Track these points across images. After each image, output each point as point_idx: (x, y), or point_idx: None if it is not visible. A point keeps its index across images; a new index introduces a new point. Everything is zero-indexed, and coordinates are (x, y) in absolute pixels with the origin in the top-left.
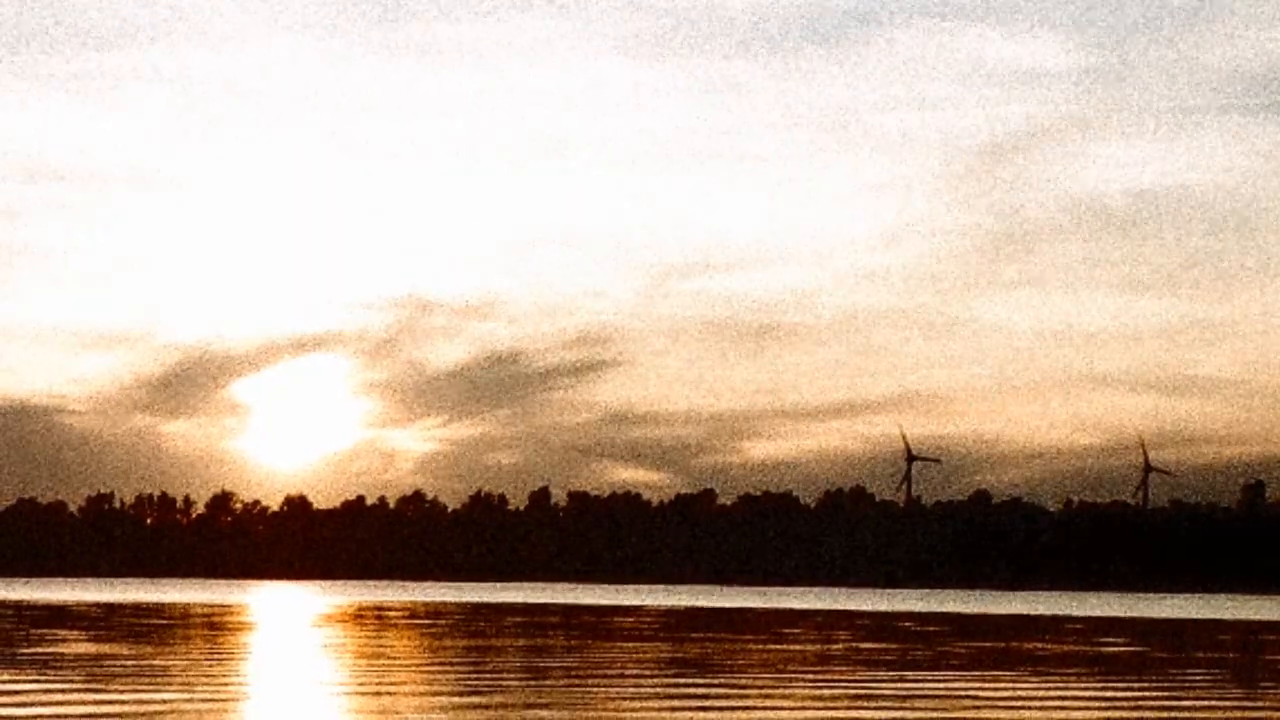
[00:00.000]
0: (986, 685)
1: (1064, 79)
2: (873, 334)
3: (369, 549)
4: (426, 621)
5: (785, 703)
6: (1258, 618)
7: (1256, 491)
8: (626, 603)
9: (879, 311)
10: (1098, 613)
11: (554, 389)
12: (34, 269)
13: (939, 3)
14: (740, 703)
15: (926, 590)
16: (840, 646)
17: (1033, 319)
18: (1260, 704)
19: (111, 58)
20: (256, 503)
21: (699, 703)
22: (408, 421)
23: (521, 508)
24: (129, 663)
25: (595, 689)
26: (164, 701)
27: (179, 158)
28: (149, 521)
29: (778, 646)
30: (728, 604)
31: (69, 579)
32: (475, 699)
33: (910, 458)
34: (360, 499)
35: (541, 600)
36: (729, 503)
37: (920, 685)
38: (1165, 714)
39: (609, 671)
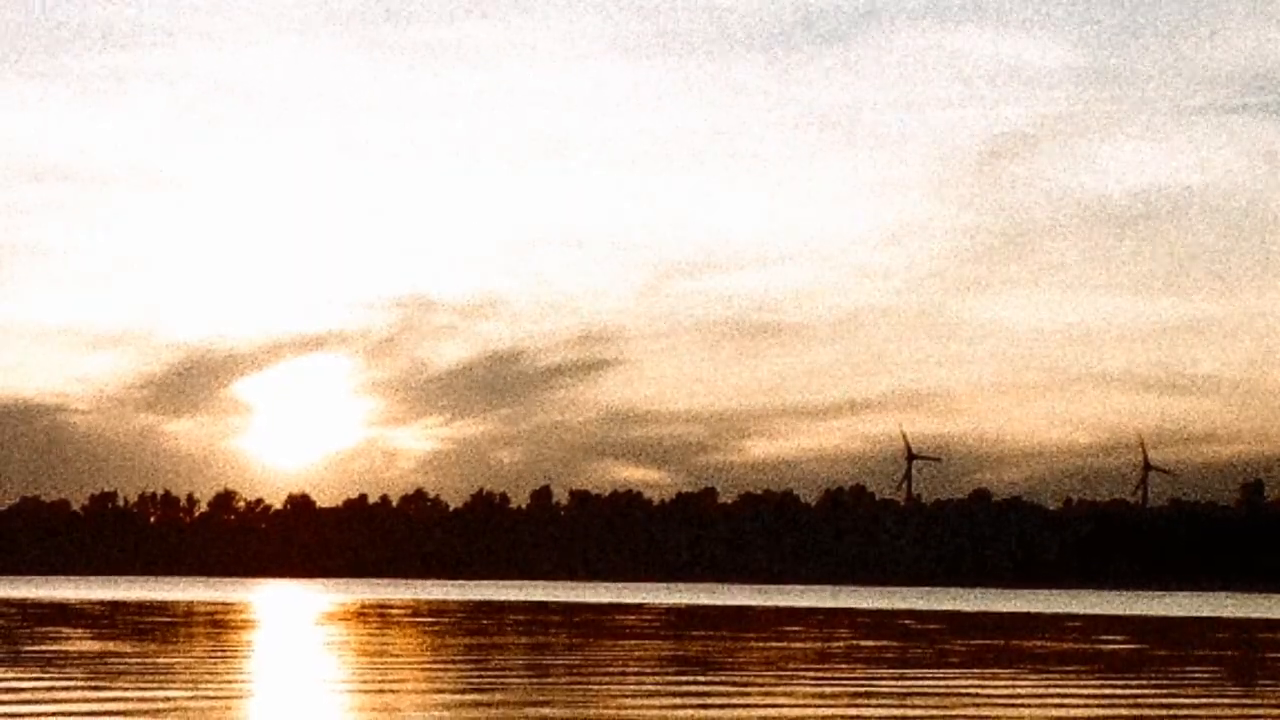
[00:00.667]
0: (986, 683)
1: (1064, 79)
2: (873, 333)
3: (371, 547)
4: (428, 619)
5: (786, 700)
6: (1256, 616)
7: (1255, 490)
8: (628, 601)
9: (879, 311)
10: (1097, 611)
11: (555, 388)
12: (37, 268)
13: (939, 3)
14: (741, 700)
15: (926, 588)
16: (841, 644)
17: (1032, 318)
18: (1258, 702)
19: (114, 58)
20: (259, 501)
21: (700, 700)
22: (410, 420)
23: (523, 506)
24: (132, 660)
25: (597, 686)
26: (167, 699)
27: (181, 157)
28: (152, 520)
29: (778, 644)
30: (729, 602)
31: (72, 577)
32: (477, 696)
33: (910, 456)
34: (362, 497)
35: (543, 598)
36: (730, 501)
37: (920, 683)
38: (1164, 711)
39: (610, 669)
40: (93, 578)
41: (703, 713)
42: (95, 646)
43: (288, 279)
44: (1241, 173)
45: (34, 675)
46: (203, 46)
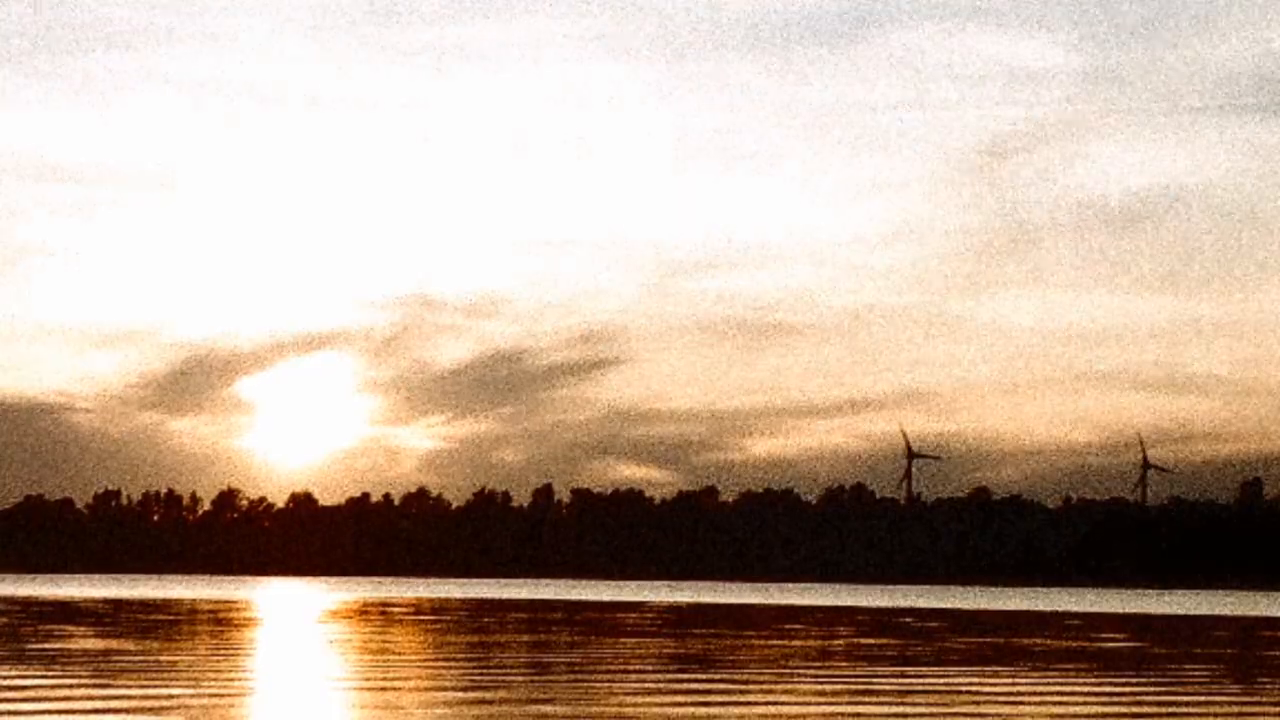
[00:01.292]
0: (986, 680)
1: (1064, 79)
2: (873, 333)
3: (373, 545)
4: (431, 617)
5: (787, 698)
6: (1255, 614)
7: (1254, 488)
8: (629, 599)
9: (880, 310)
10: (1096, 608)
11: (557, 387)
12: (41, 268)
13: (939, 3)
14: (742, 698)
15: (926, 586)
16: (841, 642)
17: (1032, 318)
18: (1257, 699)
19: (118, 58)
20: (262, 500)
21: (701, 698)
22: (412, 419)
23: (525, 505)
24: (136, 658)
25: (598, 684)
26: (170, 696)
27: (184, 157)
28: (155, 518)
29: (779, 642)
30: (730, 600)
31: (76, 575)
32: (479, 694)
33: (911, 455)
34: (365, 496)
35: (545, 596)
36: (731, 500)
37: (920, 680)
38: (1163, 709)
39: (612, 667)
40: (96, 576)
41: (704, 710)
42: (99, 644)
43: (290, 278)
44: (1241, 173)
45: (38, 673)
46: (206, 47)
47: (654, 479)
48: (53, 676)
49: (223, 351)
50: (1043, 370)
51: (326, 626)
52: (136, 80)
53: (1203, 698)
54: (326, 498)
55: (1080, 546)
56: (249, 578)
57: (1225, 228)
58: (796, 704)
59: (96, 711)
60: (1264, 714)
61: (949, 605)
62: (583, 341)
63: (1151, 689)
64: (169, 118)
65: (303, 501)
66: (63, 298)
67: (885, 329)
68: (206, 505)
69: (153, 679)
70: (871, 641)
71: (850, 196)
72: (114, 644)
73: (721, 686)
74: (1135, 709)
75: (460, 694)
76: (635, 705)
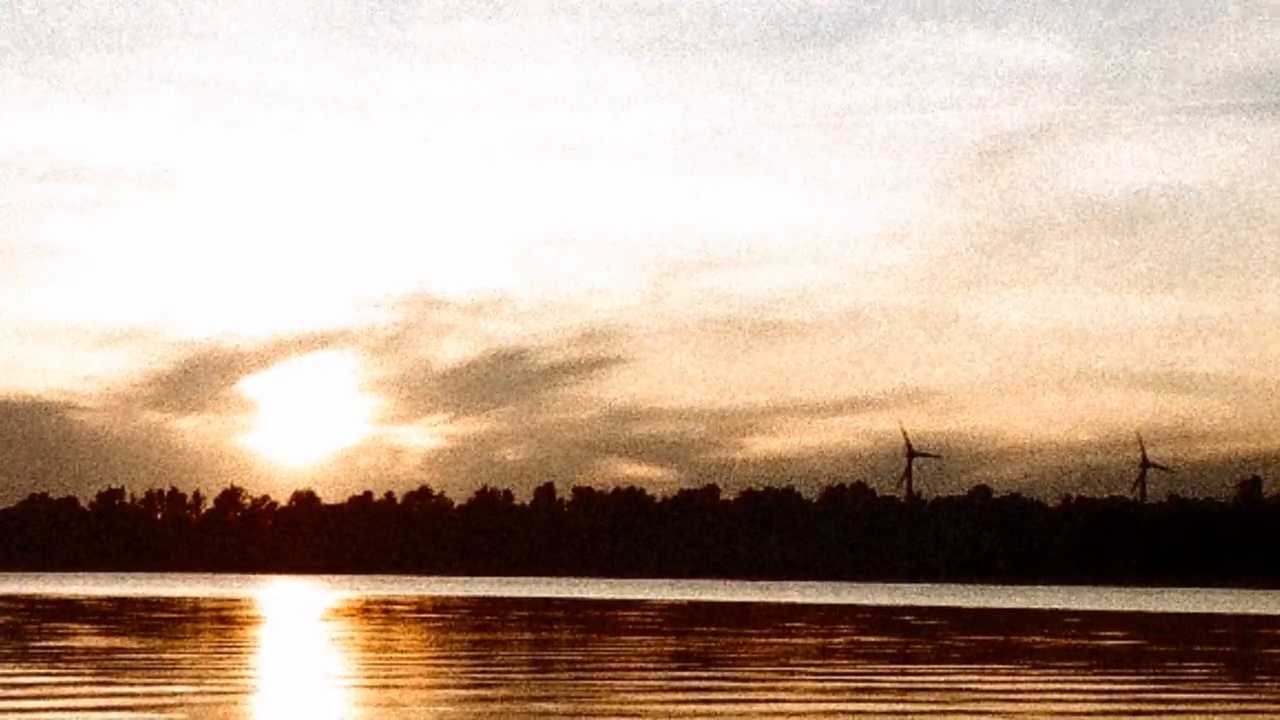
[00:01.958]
0: (986, 678)
1: (1063, 79)
2: (874, 332)
3: (376, 544)
4: (433, 615)
5: (788, 696)
6: (1254, 612)
7: (1253, 487)
8: (630, 597)
9: (880, 309)
10: (1096, 607)
11: (559, 386)
12: (44, 267)
13: (939, 3)
14: (743, 696)
15: (927, 584)
16: (842, 640)
17: (1032, 317)
18: (1256, 697)
19: (121, 58)
20: (265, 498)
21: (702, 696)
22: (414, 418)
23: (527, 503)
24: (139, 656)
25: (600, 682)
26: (174, 694)
27: (188, 157)
28: (159, 517)
29: (780, 640)
30: (731, 598)
31: (80, 573)
32: (481, 692)
33: (911, 454)
34: (368, 494)
35: (546, 594)
36: (732, 498)
37: (921, 678)
38: (1162, 707)
39: (613, 665)
40: (100, 574)
41: (705, 708)
42: (102, 642)
43: (293, 278)
44: (1239, 173)
45: (42, 671)
46: (209, 46)
47: (655, 477)
48: (56, 674)
49: (226, 350)
50: (1042, 369)
51: (329, 624)
52: (139, 80)
53: (1202, 695)
54: (329, 496)
55: (1080, 545)
56: (252, 576)
57: (1225, 228)
58: (797, 702)
59: (100, 709)
60: (1263, 712)
61: (949, 603)
62: (584, 340)
63: (1150, 687)
64: (172, 117)
65: (305, 500)
66: (66, 297)
67: (885, 328)
68: (210, 504)
69: (156, 677)
70: (872, 639)
71: (850, 196)
72: (117, 642)
73: (723, 684)
74: (1134, 706)
75: (462, 692)
76: (637, 703)
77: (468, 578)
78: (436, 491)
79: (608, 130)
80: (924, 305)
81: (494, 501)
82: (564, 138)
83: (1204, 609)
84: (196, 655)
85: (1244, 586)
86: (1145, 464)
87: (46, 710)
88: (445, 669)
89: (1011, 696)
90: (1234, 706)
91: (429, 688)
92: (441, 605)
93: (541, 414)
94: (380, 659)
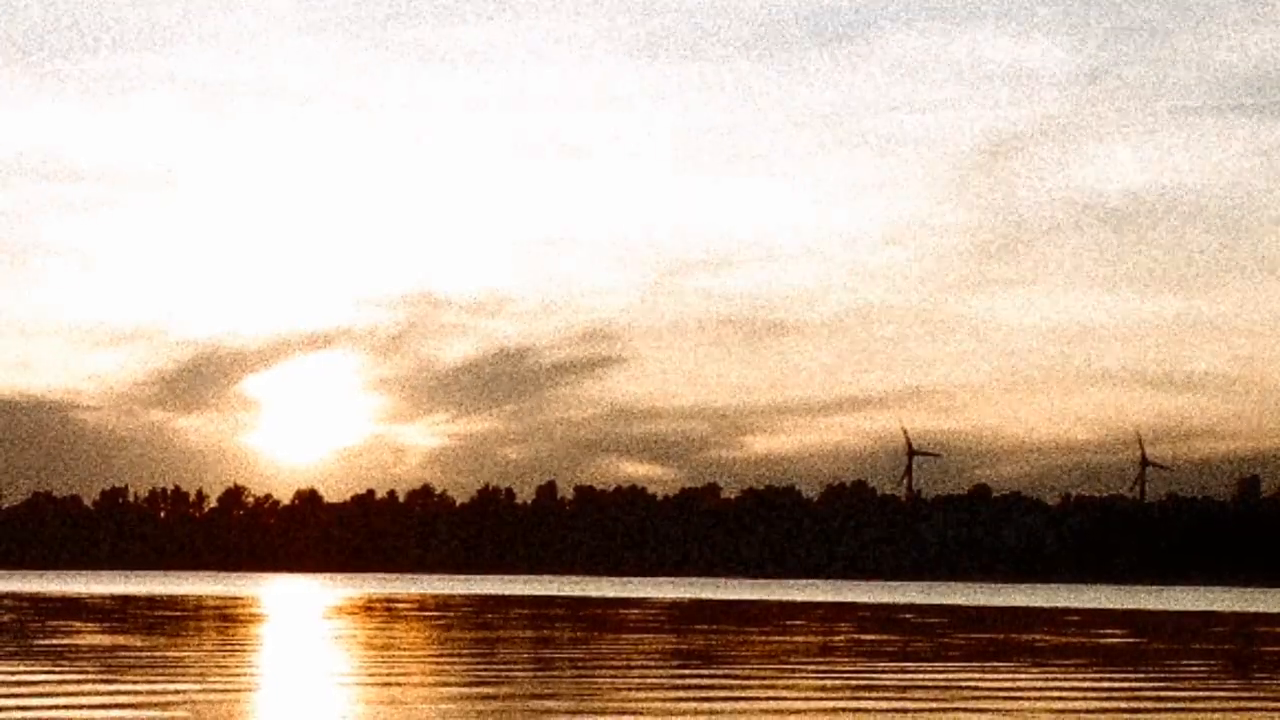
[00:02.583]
0: (986, 676)
1: (1062, 79)
2: (873, 331)
3: (378, 542)
4: (435, 613)
5: (788, 693)
6: (1252, 610)
7: (1251, 485)
8: (632, 595)
9: (880, 309)
10: (1095, 605)
11: (560, 385)
12: (48, 267)
13: (938, 3)
14: (744, 693)
15: (927, 583)
16: (842, 638)
17: (1031, 316)
18: (1255, 695)
19: (125, 59)
20: (268, 497)
21: (703, 693)
22: (416, 417)
23: (528, 502)
24: (143, 654)
25: (601, 680)
26: (177, 692)
27: (191, 156)
28: (162, 515)
29: (780, 638)
30: (731, 596)
31: (84, 572)
32: (483, 690)
33: (911, 452)
34: (370, 493)
35: (548, 593)
36: (732, 497)
37: (921, 676)
38: (1161, 704)
39: (614, 663)
40: (104, 572)
41: (706, 706)
42: (106, 640)
43: (296, 277)
44: (1238, 172)
45: (46, 669)
46: (211, 47)
47: (656, 476)
48: (60, 672)
49: (229, 350)
50: (1042, 368)
51: (331, 623)
52: (142, 80)
53: (1200, 693)
54: (332, 495)
55: (1079, 543)
56: (255, 574)
57: (1222, 227)
58: (798, 699)
59: (103, 706)
60: (1261, 709)
61: (949, 601)
62: (585, 340)
63: (1149, 684)
64: (174, 117)
65: (308, 498)
66: (70, 296)
67: (885, 327)
68: (213, 502)
69: (159, 675)
70: (872, 637)
71: (850, 196)
72: (121, 640)
73: (723, 682)
74: (1133, 704)
75: (464, 689)
76: (638, 700)
77: (469, 576)
78: (438, 490)
79: (608, 130)
80: (924, 305)
81: (495, 500)
82: (564, 138)
83: (1203, 607)
84: (199, 653)
85: (1242, 585)
86: (1144, 463)
87: (51, 708)
88: (447, 667)
89: (1011, 694)
90: (1232, 704)
91: (431, 686)
92: (443, 603)
93: (543, 413)
94: (382, 657)
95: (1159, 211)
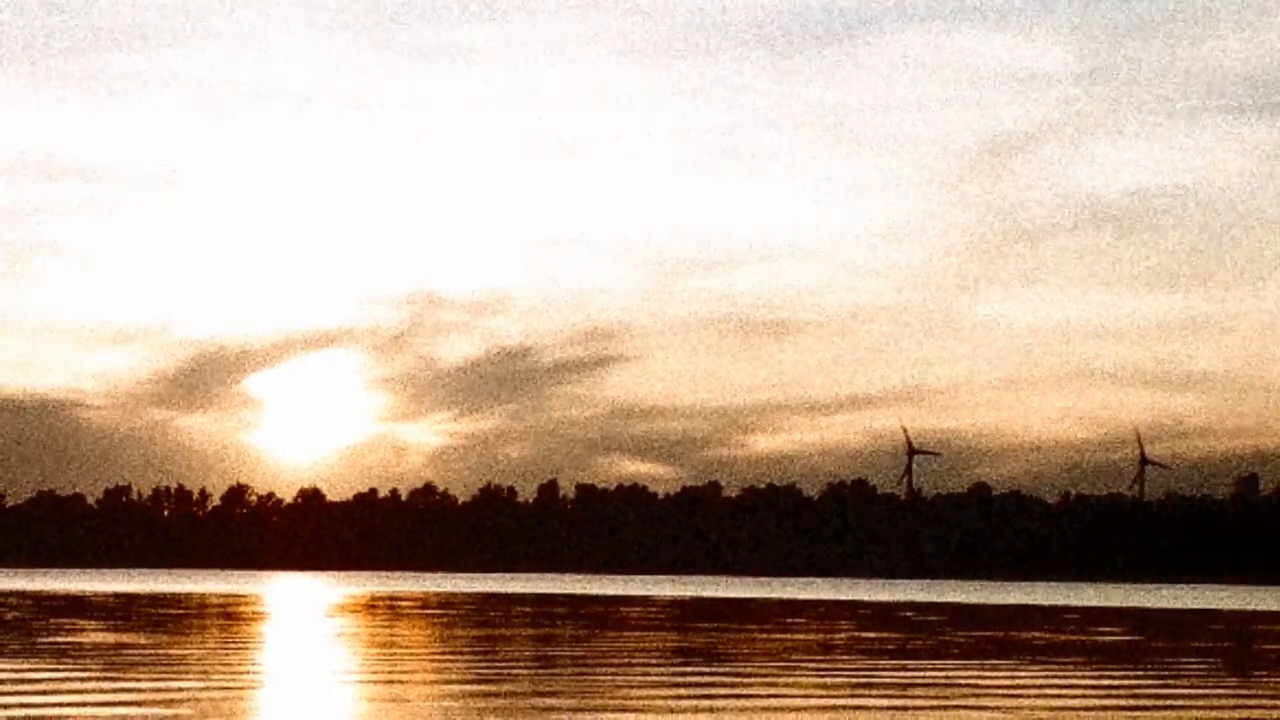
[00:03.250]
0: (986, 674)
1: (1063, 79)
2: (874, 330)
3: (381, 540)
4: (437, 611)
5: (789, 691)
6: (1251, 608)
7: (1250, 484)
8: (633, 593)
9: (880, 308)
10: (1094, 603)
11: (562, 384)
12: (52, 266)
13: (938, 3)
14: (745, 691)
15: (927, 581)
16: (842, 636)
17: (1031, 316)
18: (1254, 692)
19: (128, 59)
20: (271, 495)
21: (704, 691)
22: (419, 416)
23: (530, 500)
24: (146, 652)
25: (603, 678)
26: (180, 689)
27: (192, 156)
28: (166, 514)
29: (781, 636)
30: (732, 594)
31: (87, 570)
32: (485, 687)
33: (911, 451)
34: (372, 491)
35: (550, 591)
36: (733, 495)
37: (921, 674)
38: (1160, 702)
39: (616, 661)
40: (107, 571)
41: (707, 703)
42: (110, 638)
43: (298, 276)
44: (1237, 172)
45: (50, 666)
46: (215, 47)
47: (657, 475)
48: (64, 670)
49: (232, 349)
50: (1042, 367)
51: (334, 620)
52: (143, 80)
53: (1199, 691)
54: (334, 493)
55: (1079, 541)
56: (257, 572)
57: (1222, 226)
58: (798, 697)
59: (107, 704)
60: (1260, 707)
61: (949, 599)
62: (587, 339)
63: (1148, 682)
64: (176, 117)
65: (311, 497)
66: (73, 296)
67: (886, 327)
68: (216, 501)
69: (163, 672)
70: (872, 635)
71: (850, 196)
72: (125, 638)
73: (724, 679)
74: (1133, 702)
75: (466, 687)
76: (639, 698)
77: (472, 574)
78: (440, 488)
79: (608, 130)
80: (924, 304)
81: (497, 498)
82: (564, 138)
83: (1201, 605)
84: (203, 651)
85: (1241, 583)
86: (1144, 461)
87: (55, 705)
88: (449, 664)
89: (1011, 691)
90: (1231, 702)
91: (433, 683)
92: (446, 601)
93: (544, 412)
94: (385, 655)
95: (1159, 211)
